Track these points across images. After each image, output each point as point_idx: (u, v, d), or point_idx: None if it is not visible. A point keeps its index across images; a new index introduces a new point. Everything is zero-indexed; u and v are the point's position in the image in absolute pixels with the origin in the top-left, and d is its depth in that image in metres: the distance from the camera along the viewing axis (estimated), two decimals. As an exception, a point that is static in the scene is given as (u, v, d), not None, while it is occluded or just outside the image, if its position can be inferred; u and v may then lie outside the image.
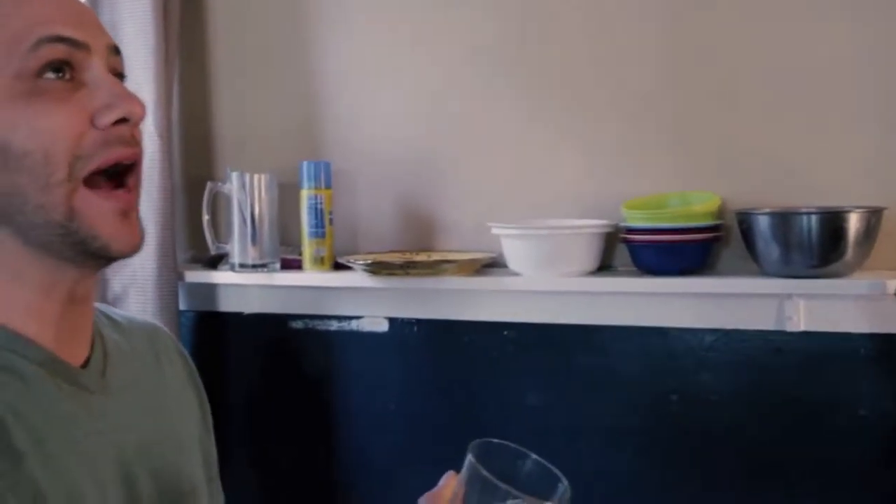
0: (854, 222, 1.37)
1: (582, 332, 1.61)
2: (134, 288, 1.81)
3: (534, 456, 0.80)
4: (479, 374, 1.70)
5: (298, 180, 1.73)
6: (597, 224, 1.56)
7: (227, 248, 1.78)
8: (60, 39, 0.73)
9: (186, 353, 1.00)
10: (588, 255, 1.55)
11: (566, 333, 1.62)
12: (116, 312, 0.93)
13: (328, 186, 1.73)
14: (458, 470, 0.80)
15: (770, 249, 1.42)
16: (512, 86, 1.68)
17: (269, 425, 1.89)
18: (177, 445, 0.89)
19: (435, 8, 1.73)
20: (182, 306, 1.87)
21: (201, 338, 1.92)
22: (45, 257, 0.75)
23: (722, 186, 1.53)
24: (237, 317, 1.89)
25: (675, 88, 1.56)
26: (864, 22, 1.45)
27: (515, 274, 1.60)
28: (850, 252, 1.38)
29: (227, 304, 1.90)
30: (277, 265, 1.77)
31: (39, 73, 0.72)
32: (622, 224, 1.55)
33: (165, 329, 0.99)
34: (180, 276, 1.84)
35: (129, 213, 0.77)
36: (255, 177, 1.74)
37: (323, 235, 1.72)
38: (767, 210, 1.43)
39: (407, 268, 1.61)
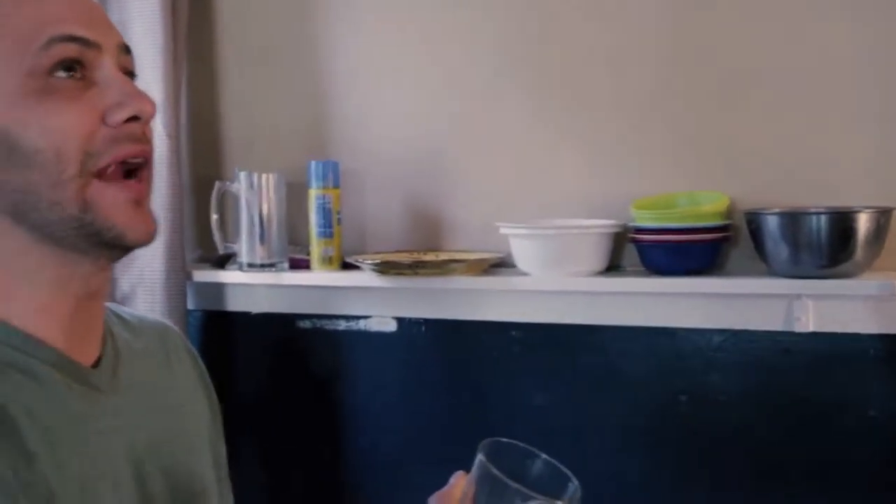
0: (864, 222, 1.36)
1: (590, 333, 1.61)
2: (142, 287, 1.81)
3: (544, 456, 0.80)
4: (487, 374, 1.69)
5: (307, 180, 1.73)
6: (605, 224, 1.56)
7: (236, 247, 1.78)
8: (72, 38, 0.73)
9: (197, 353, 1.00)
10: (596, 255, 1.55)
11: (574, 333, 1.62)
12: (127, 311, 0.93)
13: (336, 186, 1.73)
14: (466, 469, 0.80)
15: (779, 249, 1.42)
16: (521, 86, 1.67)
17: (277, 425, 1.89)
18: (187, 445, 0.89)
19: (444, 8, 1.73)
20: (190, 306, 1.88)
21: (209, 337, 1.92)
22: (60, 252, 0.75)
23: (731, 186, 1.53)
24: (245, 316, 1.90)
25: (681, 87, 1.56)
26: (864, 22, 1.45)
27: (524, 274, 1.59)
28: (859, 252, 1.37)
29: (235, 304, 1.90)
30: (285, 265, 1.77)
31: (51, 71, 0.72)
32: (630, 224, 1.55)
33: (176, 329, 0.99)
34: (188, 276, 1.84)
35: (141, 202, 0.77)
36: (264, 176, 1.74)
37: (331, 235, 1.72)
38: (776, 210, 1.42)
39: (415, 267, 1.61)
